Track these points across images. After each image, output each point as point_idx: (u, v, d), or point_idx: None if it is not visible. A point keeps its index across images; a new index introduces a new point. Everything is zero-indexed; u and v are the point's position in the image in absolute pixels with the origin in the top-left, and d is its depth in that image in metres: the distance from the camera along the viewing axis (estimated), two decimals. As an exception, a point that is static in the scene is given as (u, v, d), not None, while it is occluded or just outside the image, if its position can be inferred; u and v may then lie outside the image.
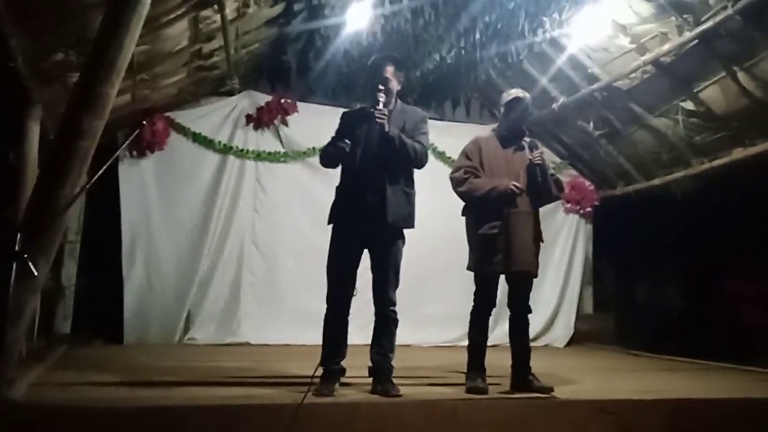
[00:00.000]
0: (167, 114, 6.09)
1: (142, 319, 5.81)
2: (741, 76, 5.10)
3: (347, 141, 3.30)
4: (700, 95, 5.60)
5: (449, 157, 6.87)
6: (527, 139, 3.68)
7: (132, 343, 5.66)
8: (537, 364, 3.56)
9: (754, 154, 5.55)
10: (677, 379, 4.55)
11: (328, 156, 3.43)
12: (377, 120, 3.23)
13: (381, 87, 3.31)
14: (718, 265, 6.71)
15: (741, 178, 5.84)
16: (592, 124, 6.78)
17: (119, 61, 3.01)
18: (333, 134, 3.49)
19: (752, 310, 6.40)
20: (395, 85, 3.42)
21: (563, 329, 7.24)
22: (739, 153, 5.73)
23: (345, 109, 3.75)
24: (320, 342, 3.33)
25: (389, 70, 3.40)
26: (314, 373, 3.03)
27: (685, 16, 4.93)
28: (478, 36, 5.79)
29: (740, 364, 5.28)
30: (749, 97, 5.19)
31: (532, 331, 3.72)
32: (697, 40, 5.01)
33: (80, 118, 2.96)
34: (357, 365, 3.37)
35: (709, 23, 4.77)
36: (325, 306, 3.33)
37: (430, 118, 6.99)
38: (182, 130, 6.18)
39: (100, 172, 3.09)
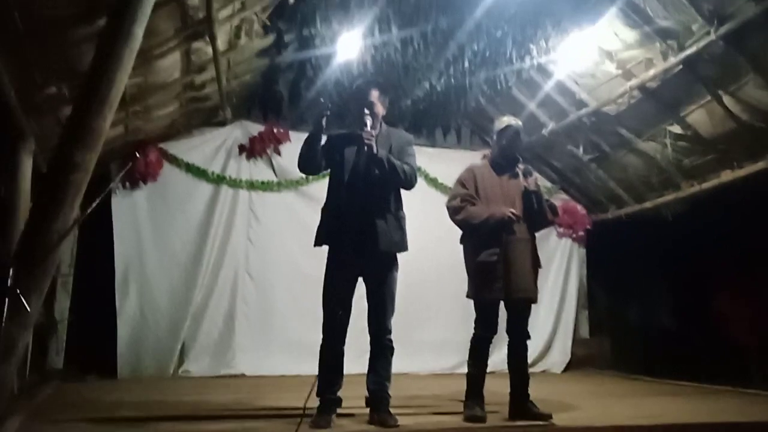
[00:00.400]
0: (160, 145, 6.11)
1: (135, 352, 5.76)
2: (726, 99, 5.18)
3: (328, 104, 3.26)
4: (687, 119, 5.68)
5: (441, 183, 6.92)
6: (521, 165, 3.72)
7: (126, 376, 5.60)
8: (535, 391, 3.54)
9: (742, 176, 5.61)
10: (674, 403, 4.53)
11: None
12: (365, 142, 3.23)
13: (367, 111, 3.32)
14: (710, 286, 6.73)
15: (730, 200, 5.89)
16: (581, 148, 6.85)
17: (112, 94, 3.03)
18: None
19: (747, 330, 6.40)
20: (381, 110, 3.43)
21: (560, 354, 7.21)
22: (727, 175, 5.79)
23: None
24: (316, 372, 3.29)
25: (374, 95, 3.42)
26: (305, 403, 2.99)
27: (669, 42, 5.03)
28: (466, 64, 5.88)
29: (737, 386, 5.26)
30: (735, 120, 5.26)
31: (530, 357, 3.71)
32: (681, 65, 5.10)
33: (73, 152, 2.97)
34: (354, 395, 3.34)
35: (693, 48, 4.86)
36: (321, 335, 3.30)
37: (422, 145, 7.15)
38: (175, 161, 6.21)
39: (93, 205, 3.09)
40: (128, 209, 5.99)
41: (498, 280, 3.47)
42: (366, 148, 3.23)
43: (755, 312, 6.39)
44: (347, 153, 3.37)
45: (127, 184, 5.98)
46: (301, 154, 3.39)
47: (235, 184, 6.41)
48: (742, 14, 4.42)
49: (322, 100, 3.21)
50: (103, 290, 5.79)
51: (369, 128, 3.27)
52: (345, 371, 3.32)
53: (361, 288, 3.37)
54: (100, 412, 3.53)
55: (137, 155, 5.81)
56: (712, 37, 4.65)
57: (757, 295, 6.43)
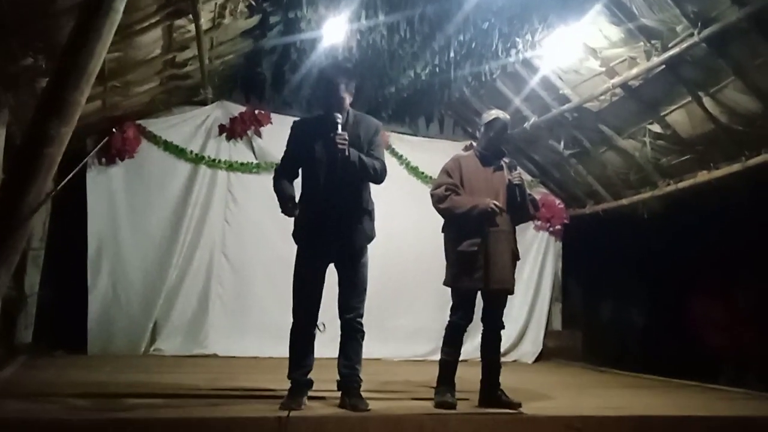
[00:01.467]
0: (138, 122, 6.02)
1: (106, 330, 5.70)
2: (706, 101, 5.25)
3: (297, 208, 3.24)
4: (666, 119, 5.74)
5: (422, 173, 6.92)
6: (506, 159, 3.75)
7: (96, 353, 5.54)
8: (506, 380, 3.59)
9: (717, 177, 5.70)
10: (641, 396, 4.61)
11: (278, 197, 3.32)
12: (339, 146, 3.17)
13: (338, 116, 3.24)
14: (682, 284, 6.85)
15: (705, 200, 5.99)
16: (562, 143, 6.90)
17: (90, 67, 2.97)
18: (285, 149, 3.46)
19: (715, 328, 6.54)
20: (348, 98, 3.37)
21: (532, 345, 7.29)
22: (703, 176, 5.88)
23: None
24: (288, 354, 3.30)
25: (342, 88, 3.32)
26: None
27: (652, 41, 5.08)
28: (452, 54, 5.87)
29: (704, 382, 5.38)
30: (714, 122, 5.34)
31: (502, 347, 3.74)
32: (664, 66, 5.15)
33: (48, 125, 2.91)
34: (325, 379, 3.34)
35: (676, 49, 4.91)
36: (292, 319, 3.31)
37: (404, 133, 7.15)
38: (153, 139, 6.12)
39: (66, 179, 3.05)
40: (103, 185, 5.90)
41: (478, 270, 3.50)
42: (339, 153, 3.18)
43: (724, 311, 6.53)
44: (317, 144, 3.31)
45: (103, 160, 5.88)
46: (275, 187, 3.39)
47: (213, 164, 6.35)
48: (725, 18, 4.48)
49: (290, 205, 3.22)
50: (75, 266, 5.71)
51: (341, 130, 3.21)
52: (316, 355, 3.33)
53: (332, 272, 3.37)
54: (69, 388, 3.49)
55: (114, 131, 5.72)
56: (695, 39, 4.70)
57: (727, 294, 6.57)
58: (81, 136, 5.42)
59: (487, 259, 3.50)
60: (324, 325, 3.31)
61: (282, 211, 3.29)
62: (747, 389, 5.18)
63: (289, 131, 3.48)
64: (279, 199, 3.30)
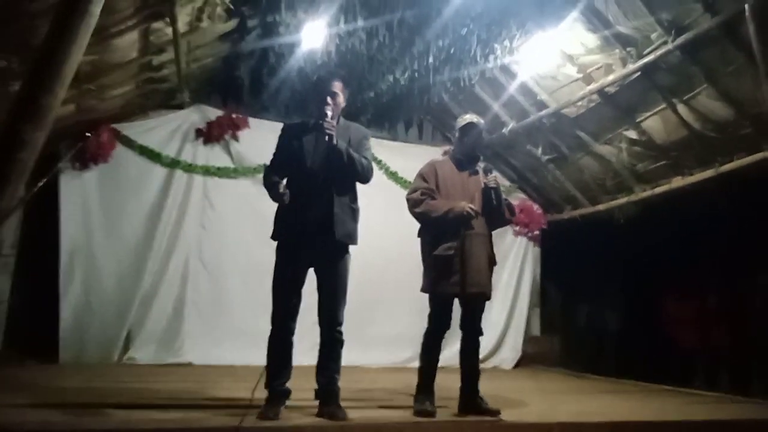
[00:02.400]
0: (113, 126, 5.92)
1: (79, 338, 5.58)
2: (680, 107, 5.34)
3: (287, 191, 3.19)
4: (642, 125, 5.82)
5: (401, 178, 6.93)
6: (482, 163, 3.76)
7: (68, 362, 5.42)
8: (485, 386, 3.59)
9: (692, 182, 5.80)
10: (618, 401, 4.65)
11: (269, 191, 3.28)
12: (326, 131, 3.19)
13: (329, 100, 3.28)
14: (658, 289, 6.93)
15: (680, 206, 6.07)
16: (540, 149, 6.96)
17: (64, 71, 2.91)
18: (275, 150, 3.43)
19: (690, 333, 6.63)
20: (341, 101, 3.40)
21: (511, 351, 7.32)
22: (678, 181, 5.97)
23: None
24: (265, 363, 3.25)
25: (337, 85, 3.38)
26: (253, 394, 2.95)
27: (628, 49, 5.15)
28: (431, 59, 5.89)
29: (679, 386, 5.44)
30: (688, 128, 5.43)
31: (481, 353, 3.74)
32: (639, 72, 5.23)
33: (20, 129, 2.84)
34: (303, 387, 3.31)
35: (651, 56, 4.99)
36: (270, 326, 3.26)
37: (383, 138, 7.14)
38: (128, 143, 6.03)
39: (39, 185, 2.97)
40: (77, 190, 5.78)
41: (454, 274, 3.49)
42: (326, 138, 3.20)
43: (698, 315, 6.63)
44: (305, 142, 3.33)
45: (77, 164, 5.76)
46: (266, 184, 3.32)
47: (190, 168, 6.27)
48: (698, 26, 4.56)
49: (282, 191, 3.18)
50: (47, 273, 5.58)
51: (329, 118, 3.23)
52: (295, 363, 3.29)
53: (312, 280, 3.33)
54: (41, 397, 3.41)
55: (89, 135, 5.62)
56: (669, 46, 4.78)
57: (700, 298, 6.66)
58: (55, 141, 5.32)
59: (464, 263, 3.50)
60: None
61: (274, 199, 3.22)
62: (720, 392, 5.25)
63: (266, 135, 3.46)
64: (270, 188, 3.24)
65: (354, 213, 3.38)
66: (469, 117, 3.81)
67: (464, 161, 3.76)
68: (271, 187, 3.23)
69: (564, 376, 6.56)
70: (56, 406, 3.19)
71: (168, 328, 5.94)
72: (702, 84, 5.02)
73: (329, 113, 3.25)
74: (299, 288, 3.28)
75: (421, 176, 3.75)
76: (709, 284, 6.55)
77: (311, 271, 3.32)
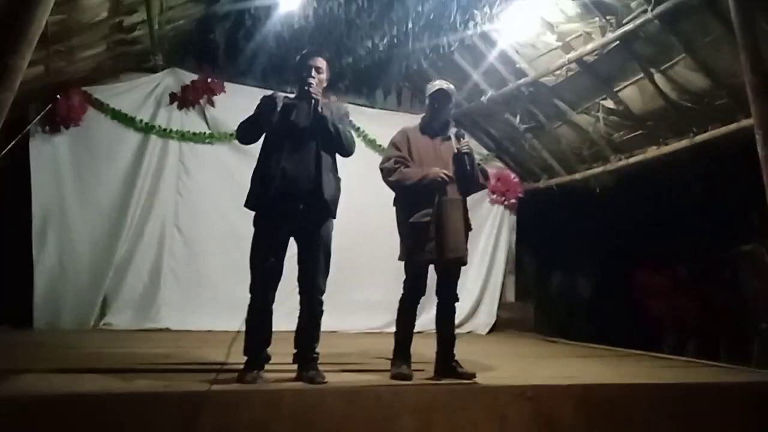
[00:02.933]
0: (84, 89, 5.78)
1: (53, 304, 5.53)
2: (657, 77, 5.37)
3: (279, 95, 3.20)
4: (619, 94, 5.85)
5: (379, 145, 6.88)
6: (453, 129, 3.74)
7: (42, 328, 5.38)
8: (460, 351, 3.64)
9: (666, 152, 5.86)
10: (590, 365, 4.76)
11: (250, 122, 3.29)
12: (312, 96, 3.19)
13: (314, 73, 3.28)
14: (631, 257, 7.07)
15: (654, 175, 6.16)
16: (518, 118, 6.96)
17: (31, 31, 2.83)
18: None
19: (661, 300, 6.79)
20: (324, 78, 3.38)
21: (486, 317, 7.43)
22: (653, 151, 6.04)
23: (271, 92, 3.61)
24: (243, 328, 3.24)
25: (321, 61, 3.38)
26: (227, 358, 2.96)
27: (608, 17, 5.13)
28: (410, 25, 5.81)
29: (649, 351, 5.58)
30: (664, 98, 5.47)
31: (456, 319, 3.78)
32: (618, 42, 5.23)
33: (-13, 90, 2.76)
34: (282, 352, 3.32)
35: (630, 26, 4.98)
36: (249, 295, 3.24)
37: (361, 105, 7.07)
38: (100, 107, 5.90)
39: (8, 147, 2.89)
40: (48, 155, 5.66)
41: (430, 241, 3.50)
42: (312, 101, 3.19)
43: (670, 284, 6.79)
44: (287, 112, 3.27)
45: (47, 128, 5.63)
46: (242, 128, 3.33)
47: (164, 134, 6.17)
48: (678, -5, 4.55)
49: (276, 94, 3.14)
50: (19, 238, 5.48)
51: (313, 87, 3.23)
52: (275, 328, 3.28)
53: (291, 246, 3.31)
54: (17, 363, 3.37)
55: (58, 97, 5.47)
56: (649, 15, 4.78)
57: (673, 268, 6.82)
58: (23, 103, 5.17)
59: (440, 228, 3.51)
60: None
61: (262, 116, 3.24)
62: (688, 357, 5.41)
63: (243, 101, 3.43)
64: (249, 119, 3.29)
65: (338, 182, 3.38)
66: (438, 83, 3.76)
67: (435, 128, 3.73)
68: (249, 118, 3.26)
69: (537, 341, 6.69)
70: (31, 371, 3.16)
71: (144, 293, 5.91)
72: (680, 54, 5.04)
73: (313, 83, 3.25)
74: (281, 258, 3.24)
75: (394, 144, 3.72)
76: (680, 253, 6.70)
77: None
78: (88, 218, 5.78)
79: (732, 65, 4.69)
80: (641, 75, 5.46)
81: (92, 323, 5.64)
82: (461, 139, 3.68)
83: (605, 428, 3.43)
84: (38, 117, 5.45)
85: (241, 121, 3.36)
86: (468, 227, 3.70)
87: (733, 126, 5.12)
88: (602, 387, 3.63)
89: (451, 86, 3.77)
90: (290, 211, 3.20)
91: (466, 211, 3.70)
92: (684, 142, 5.63)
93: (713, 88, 5.09)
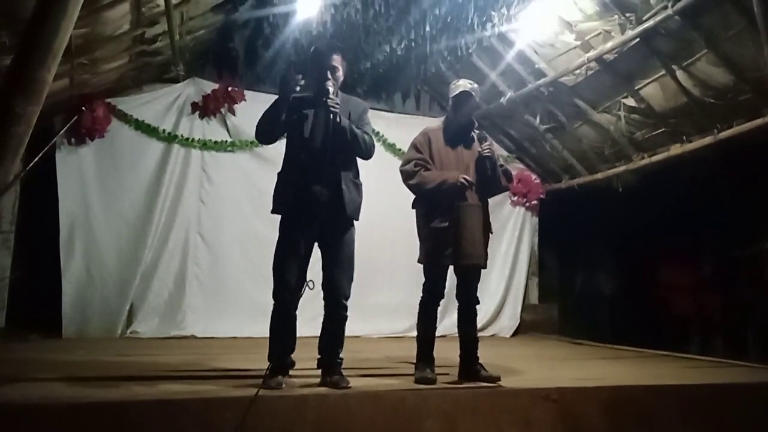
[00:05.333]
0: (108, 100, 5.88)
1: (81, 312, 5.62)
2: (679, 74, 5.29)
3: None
4: (640, 92, 5.78)
5: (399, 149, 6.90)
6: (476, 131, 3.69)
7: (71, 336, 5.48)
8: (484, 354, 3.62)
9: (690, 150, 5.78)
10: (616, 366, 4.71)
11: (267, 119, 3.22)
12: (331, 109, 3.14)
13: (329, 76, 3.23)
14: (655, 257, 6.97)
15: (677, 173, 6.07)
16: (538, 118, 6.92)
17: (56, 43, 2.88)
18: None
19: (686, 299, 6.69)
20: (341, 75, 3.34)
21: (509, 319, 7.39)
22: (676, 149, 5.95)
23: None
24: (267, 334, 3.27)
25: (336, 59, 3.31)
26: (267, 371, 2.98)
27: (627, 14, 5.08)
28: (428, 28, 5.81)
29: (675, 352, 5.50)
30: (687, 95, 5.39)
31: (480, 322, 3.77)
32: (638, 39, 5.17)
33: (14, 103, 2.83)
34: (306, 357, 3.34)
35: (650, 22, 4.92)
36: (273, 301, 3.24)
37: (380, 110, 7.09)
38: (124, 118, 5.99)
39: (36, 159, 2.96)
40: (74, 166, 5.76)
41: (448, 246, 3.48)
42: (331, 116, 3.15)
43: (696, 282, 6.68)
44: (307, 118, 3.27)
45: (73, 139, 5.74)
46: (261, 124, 3.27)
47: (187, 143, 6.24)
48: (698, -10, 4.49)
49: (293, 70, 3.07)
50: (47, 248, 5.60)
51: (332, 94, 3.17)
52: (298, 333, 3.31)
53: (315, 254, 3.32)
54: (44, 371, 3.44)
55: (83, 109, 5.57)
56: (669, 11, 4.72)
57: (698, 266, 6.71)
58: (49, 116, 5.28)
59: (458, 235, 3.47)
60: (313, 282, 3.17)
61: (282, 95, 3.19)
62: (715, 357, 5.32)
63: (262, 108, 3.39)
64: (269, 109, 3.22)
65: (359, 188, 3.37)
66: (462, 83, 3.68)
67: (458, 130, 3.68)
68: (270, 108, 3.20)
69: (561, 344, 6.63)
70: (61, 380, 3.22)
71: (170, 301, 5.99)
72: (702, 49, 4.97)
73: (331, 89, 3.19)
74: (305, 264, 3.23)
75: (415, 146, 3.68)
76: (705, 251, 6.60)
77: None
78: (114, 227, 5.87)
79: (755, 59, 4.61)
80: (663, 72, 5.39)
81: (119, 331, 5.72)
82: (483, 142, 3.64)
83: (632, 430, 3.39)
84: (64, 129, 5.55)
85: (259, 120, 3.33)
86: (488, 231, 3.67)
87: (758, 121, 5.03)
88: (629, 388, 3.59)
89: (475, 85, 3.71)
90: (313, 218, 3.20)
91: (486, 215, 3.66)
92: (708, 139, 5.54)
93: (737, 82, 5.00)
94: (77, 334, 5.52)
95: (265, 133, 3.29)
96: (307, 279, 3.17)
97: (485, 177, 3.61)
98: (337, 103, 3.17)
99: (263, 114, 3.26)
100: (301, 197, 3.18)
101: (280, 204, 3.29)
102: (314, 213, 3.19)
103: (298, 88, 3.17)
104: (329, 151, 3.20)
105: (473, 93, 3.66)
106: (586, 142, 6.86)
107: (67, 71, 4.70)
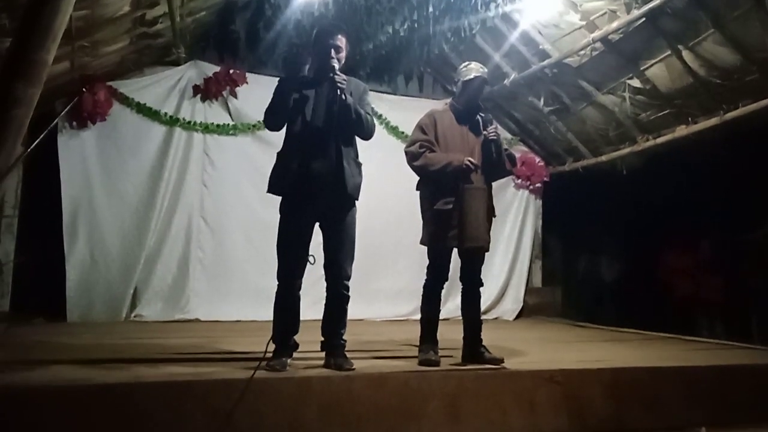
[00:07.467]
0: (109, 83, 5.84)
1: (86, 296, 5.64)
2: (685, 54, 5.23)
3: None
4: (646, 73, 5.72)
5: (402, 132, 6.86)
6: (482, 114, 3.67)
7: (76, 320, 5.50)
8: (488, 337, 3.62)
9: (695, 131, 5.73)
10: (619, 349, 4.71)
11: (276, 103, 3.23)
12: (338, 85, 3.13)
13: (333, 54, 3.22)
14: (659, 239, 6.96)
15: (683, 155, 6.03)
16: (542, 100, 6.86)
17: (55, 25, 2.85)
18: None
19: (690, 282, 6.68)
20: (343, 56, 3.32)
21: (513, 302, 7.39)
22: (681, 130, 5.90)
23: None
24: (271, 317, 3.28)
25: (340, 39, 3.30)
26: (266, 349, 2.99)
27: (633, -7, 5.01)
28: (431, 9, 5.75)
29: (679, 334, 5.50)
30: (693, 76, 5.33)
31: (483, 304, 3.77)
32: (644, 18, 5.10)
33: (14, 86, 2.81)
34: (309, 340, 3.35)
35: (656, 2, 4.85)
36: (276, 282, 3.26)
37: (383, 92, 7.04)
38: (125, 101, 5.95)
39: (36, 142, 2.95)
40: (75, 149, 5.74)
41: (452, 228, 3.47)
42: (338, 92, 3.14)
43: (698, 265, 6.67)
44: (309, 96, 3.26)
45: (74, 123, 5.71)
46: (270, 108, 3.27)
47: (189, 126, 6.21)
48: (705, -32, 4.42)
49: (297, 51, 3.08)
50: (51, 232, 5.60)
51: (337, 69, 3.17)
52: (302, 317, 3.31)
53: (316, 234, 3.32)
54: (50, 355, 3.45)
55: (84, 92, 5.54)
56: (676, -10, 4.65)
57: (703, 249, 6.70)
58: (50, 99, 5.26)
59: (462, 217, 3.47)
60: (314, 257, 3.20)
61: (287, 74, 3.23)
62: (718, 340, 5.32)
63: (264, 91, 3.39)
64: (277, 96, 3.23)
65: (359, 167, 3.36)
66: (474, 67, 3.66)
67: (465, 113, 3.67)
68: (274, 96, 3.20)
69: (565, 326, 6.64)
70: (67, 363, 3.24)
71: (174, 285, 5.99)
72: (708, 29, 4.90)
73: (336, 66, 3.19)
74: (307, 244, 3.24)
75: (420, 128, 3.67)
76: (710, 234, 6.58)
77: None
78: (117, 211, 5.86)
79: (762, 39, 4.56)
80: (668, 52, 5.33)
81: (124, 315, 5.74)
82: (489, 125, 3.62)
83: (636, 411, 3.40)
84: (64, 111, 5.53)
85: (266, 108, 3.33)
86: (492, 214, 3.66)
87: (764, 102, 4.98)
88: (632, 370, 3.59)
89: (485, 69, 3.70)
90: (313, 197, 3.19)
91: (490, 198, 3.66)
92: (714, 120, 5.50)
93: (743, 63, 4.94)
94: (82, 318, 5.54)
95: (276, 125, 3.30)
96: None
97: (490, 160, 3.60)
98: (344, 80, 3.16)
99: (268, 107, 3.27)
100: (302, 176, 3.18)
101: (278, 185, 3.28)
102: (314, 193, 3.19)
103: (306, 67, 3.16)
104: (332, 129, 3.20)
105: (484, 77, 3.66)
106: (591, 124, 6.81)
107: (68, 54, 4.68)
